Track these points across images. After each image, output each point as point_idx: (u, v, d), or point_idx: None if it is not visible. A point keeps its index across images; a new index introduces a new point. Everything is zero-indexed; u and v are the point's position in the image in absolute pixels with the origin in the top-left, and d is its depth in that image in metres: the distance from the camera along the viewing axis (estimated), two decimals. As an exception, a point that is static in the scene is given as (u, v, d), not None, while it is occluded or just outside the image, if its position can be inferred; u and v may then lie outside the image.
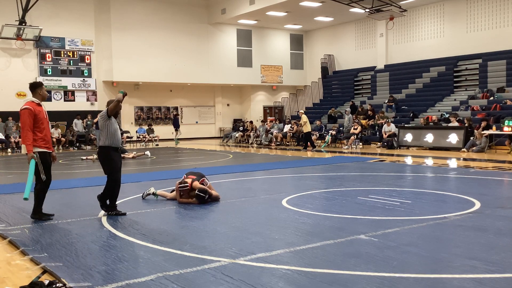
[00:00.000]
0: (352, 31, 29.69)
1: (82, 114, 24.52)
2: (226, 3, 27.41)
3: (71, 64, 25.09)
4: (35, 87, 6.95)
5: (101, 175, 11.51)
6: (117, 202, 7.16)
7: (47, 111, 7.19)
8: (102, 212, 7.16)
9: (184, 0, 27.77)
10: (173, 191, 8.42)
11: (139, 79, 26.91)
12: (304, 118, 20.09)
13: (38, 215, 6.82)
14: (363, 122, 22.47)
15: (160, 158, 17.35)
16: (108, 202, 7.07)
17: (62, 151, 21.71)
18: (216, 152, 19.69)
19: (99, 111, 24.17)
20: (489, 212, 6.75)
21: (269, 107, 33.17)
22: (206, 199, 7.75)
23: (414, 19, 26.07)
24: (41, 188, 6.81)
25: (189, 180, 7.90)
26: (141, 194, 8.53)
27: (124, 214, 7.06)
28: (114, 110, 6.95)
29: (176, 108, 29.99)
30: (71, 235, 5.91)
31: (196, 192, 7.74)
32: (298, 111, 23.04)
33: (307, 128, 20.04)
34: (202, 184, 7.94)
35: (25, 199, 6.39)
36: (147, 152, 17.95)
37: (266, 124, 25.87)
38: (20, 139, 21.72)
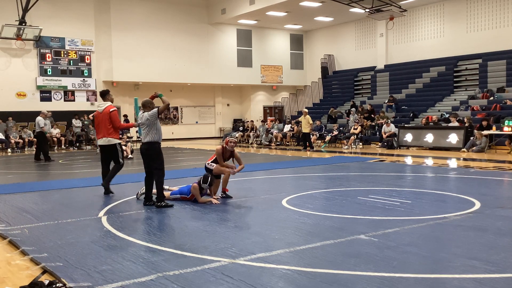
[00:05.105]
0: (352, 31, 29.67)
1: (79, 114, 24.48)
2: (226, 3, 27.40)
3: (71, 64, 25.07)
4: (105, 94, 8.85)
5: (100, 175, 11.39)
6: (116, 203, 7.20)
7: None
8: (102, 212, 7.17)
9: (184, 0, 27.77)
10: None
11: (139, 79, 26.90)
12: (309, 119, 20.03)
13: (109, 190, 8.66)
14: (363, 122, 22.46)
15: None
16: (155, 194, 7.67)
17: (61, 151, 21.69)
18: (216, 152, 19.62)
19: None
20: (489, 212, 6.75)
21: (269, 107, 33.15)
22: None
23: (414, 19, 26.06)
24: (118, 168, 8.86)
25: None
26: (136, 195, 8.45)
27: (171, 206, 7.56)
28: (163, 111, 7.97)
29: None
30: (71, 235, 5.90)
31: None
32: (303, 110, 22.84)
33: (308, 128, 20.02)
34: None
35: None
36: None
37: (266, 124, 25.87)
38: (19, 140, 21.77)
